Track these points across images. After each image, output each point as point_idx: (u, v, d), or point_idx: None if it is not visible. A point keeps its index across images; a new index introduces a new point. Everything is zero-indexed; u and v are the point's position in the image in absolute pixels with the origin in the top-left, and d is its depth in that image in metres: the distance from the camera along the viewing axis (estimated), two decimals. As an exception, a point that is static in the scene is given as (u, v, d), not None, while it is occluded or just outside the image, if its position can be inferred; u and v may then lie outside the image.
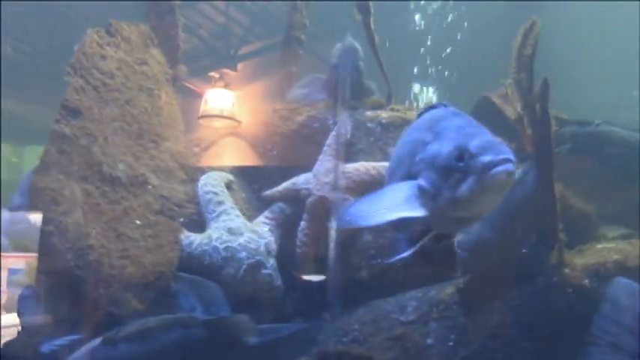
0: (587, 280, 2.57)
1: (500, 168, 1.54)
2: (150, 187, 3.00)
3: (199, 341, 2.65)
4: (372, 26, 3.49)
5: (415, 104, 5.34)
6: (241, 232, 3.06)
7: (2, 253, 2.81)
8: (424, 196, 1.69)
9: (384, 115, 3.45)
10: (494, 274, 2.80)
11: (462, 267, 2.84)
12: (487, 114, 3.13)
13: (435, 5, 5.51)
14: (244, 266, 2.95)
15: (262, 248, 3.04)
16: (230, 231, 3.04)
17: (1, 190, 4.39)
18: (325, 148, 3.31)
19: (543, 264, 2.68)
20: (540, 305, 2.67)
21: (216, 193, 3.20)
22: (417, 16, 5.55)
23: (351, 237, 3.13)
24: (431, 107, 1.98)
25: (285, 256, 3.19)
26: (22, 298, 2.55)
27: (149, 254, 2.80)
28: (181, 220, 3.09)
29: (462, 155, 1.60)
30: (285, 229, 3.27)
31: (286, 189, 3.33)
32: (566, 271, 2.61)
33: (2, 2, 4.22)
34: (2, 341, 2.46)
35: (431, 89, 5.59)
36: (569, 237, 2.65)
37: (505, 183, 1.58)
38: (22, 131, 5.80)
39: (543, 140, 2.59)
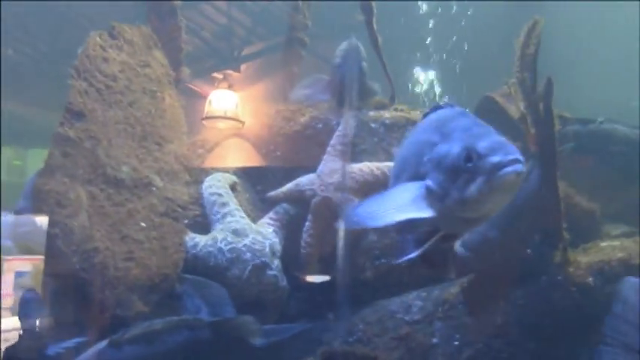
0: (591, 279, 2.57)
1: (509, 169, 1.53)
2: (154, 189, 3.00)
3: (205, 343, 2.65)
4: (375, 26, 3.49)
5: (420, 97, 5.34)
6: (246, 233, 3.06)
7: (8, 257, 2.80)
8: (432, 196, 1.68)
9: (387, 115, 3.45)
10: (499, 274, 2.79)
11: (466, 266, 2.84)
12: (490, 113, 3.12)
13: (435, 5, 5.51)
14: (249, 267, 2.96)
15: (267, 249, 3.04)
16: (235, 232, 3.05)
17: (1, 193, 4.37)
18: (329, 148, 3.31)
19: (547, 263, 2.67)
20: (544, 304, 2.67)
21: (220, 195, 3.20)
22: (417, 16, 5.55)
23: (356, 237, 3.13)
24: (437, 108, 1.96)
25: (290, 257, 3.20)
26: (23, 302, 2.53)
27: (154, 256, 2.81)
28: (186, 221, 3.10)
29: (470, 156, 1.59)
30: (290, 229, 3.28)
31: (290, 190, 3.33)
32: (571, 269, 2.61)
33: (2, 2, 4.20)
34: (5, 344, 2.45)
35: (431, 87, 5.59)
36: (573, 235, 2.64)
37: (514, 183, 1.57)
38: (24, 134, 5.77)
39: (547, 139, 2.59)
